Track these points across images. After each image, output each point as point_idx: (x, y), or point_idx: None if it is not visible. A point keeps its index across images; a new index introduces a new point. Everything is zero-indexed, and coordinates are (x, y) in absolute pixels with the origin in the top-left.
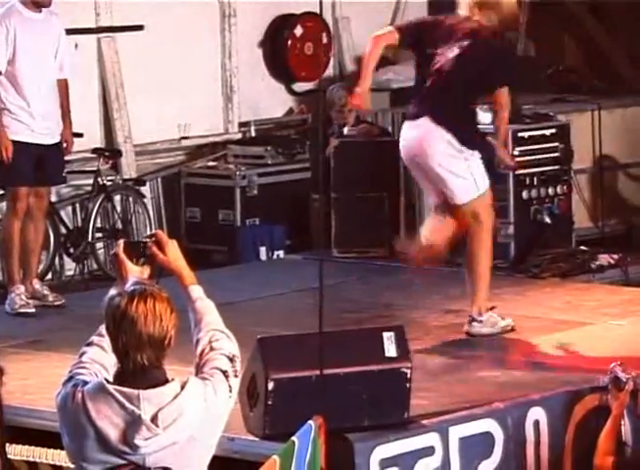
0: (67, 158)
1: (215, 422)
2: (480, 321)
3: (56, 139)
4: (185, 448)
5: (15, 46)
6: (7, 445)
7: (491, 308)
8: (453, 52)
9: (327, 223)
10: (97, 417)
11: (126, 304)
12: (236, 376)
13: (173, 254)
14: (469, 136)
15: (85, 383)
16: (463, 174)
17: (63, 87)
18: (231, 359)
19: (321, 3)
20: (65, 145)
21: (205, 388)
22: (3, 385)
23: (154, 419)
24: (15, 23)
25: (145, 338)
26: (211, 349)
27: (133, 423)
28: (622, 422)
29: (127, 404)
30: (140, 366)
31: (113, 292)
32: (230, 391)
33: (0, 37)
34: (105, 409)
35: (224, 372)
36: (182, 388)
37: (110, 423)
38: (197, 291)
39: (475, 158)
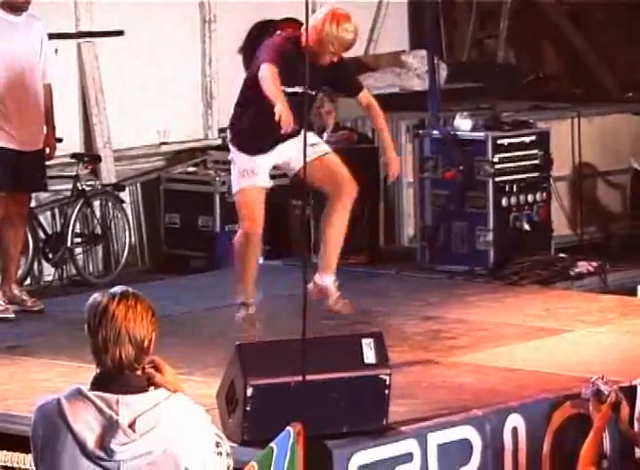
0: (46, 163)
1: (194, 448)
2: None
3: (36, 146)
4: (161, 463)
5: None
6: None
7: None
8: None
9: (306, 229)
10: (74, 422)
11: (108, 300)
12: (223, 454)
13: (171, 376)
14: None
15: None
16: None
17: (47, 92)
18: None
19: (307, 9)
20: (47, 150)
21: (194, 407)
22: None
23: (131, 425)
24: None
25: (124, 333)
26: None
27: (110, 428)
28: (604, 435)
29: (105, 409)
30: (118, 363)
31: (95, 295)
32: (217, 446)
33: None
34: (82, 414)
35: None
36: (167, 398)
37: (87, 428)
38: None
39: (235, 156)
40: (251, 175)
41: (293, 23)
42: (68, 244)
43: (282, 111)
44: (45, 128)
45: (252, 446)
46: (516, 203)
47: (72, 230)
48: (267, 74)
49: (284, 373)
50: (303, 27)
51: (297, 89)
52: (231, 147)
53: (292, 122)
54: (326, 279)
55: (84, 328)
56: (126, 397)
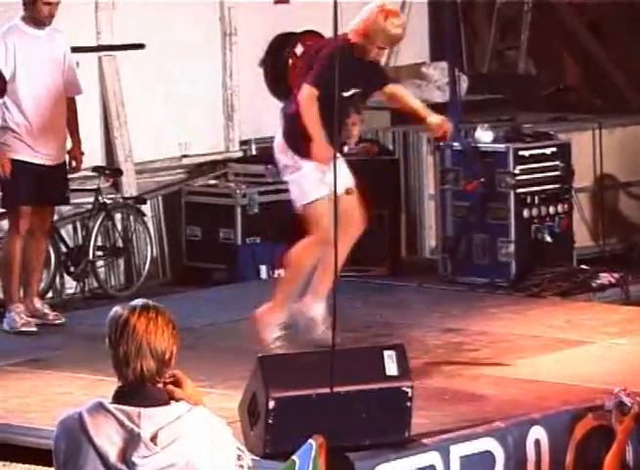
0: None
1: (216, 461)
2: None
3: (59, 160)
4: None
5: (15, 64)
6: (5, 463)
7: None
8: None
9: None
10: (95, 435)
11: (129, 313)
12: (245, 467)
13: (191, 390)
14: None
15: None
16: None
17: (70, 106)
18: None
19: (335, 21)
20: (73, 163)
21: (216, 419)
22: None
23: (153, 438)
24: (15, 41)
25: (145, 345)
26: None
27: (132, 441)
28: (627, 447)
29: (127, 422)
30: (139, 376)
31: (116, 307)
32: (239, 459)
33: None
34: (104, 427)
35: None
36: (188, 411)
37: (109, 441)
38: None
39: (301, 164)
40: (323, 184)
41: (313, 35)
42: (90, 257)
43: (319, 148)
44: (70, 142)
45: (274, 458)
46: (537, 214)
47: (94, 243)
48: (307, 102)
49: (306, 385)
50: (350, 27)
51: (353, 91)
52: (295, 156)
53: (328, 159)
54: (316, 309)
55: (106, 341)
56: (148, 410)
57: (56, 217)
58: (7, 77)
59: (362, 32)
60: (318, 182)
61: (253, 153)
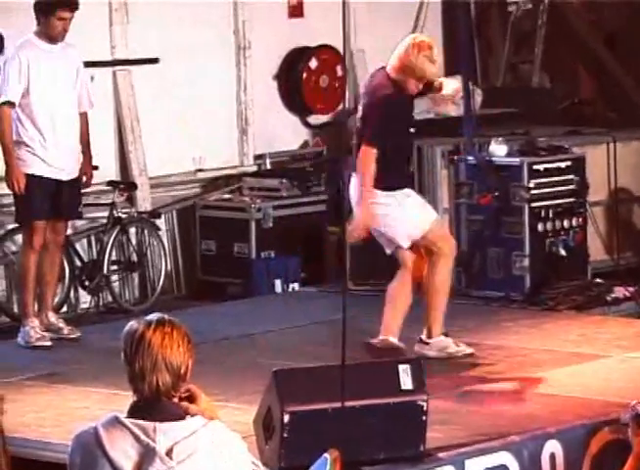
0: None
1: None
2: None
3: (72, 174)
4: None
5: (28, 78)
6: None
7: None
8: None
9: (342, 256)
10: (111, 449)
11: (144, 328)
12: None
13: (206, 404)
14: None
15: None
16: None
17: (82, 120)
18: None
19: (344, 35)
20: (84, 178)
21: (231, 433)
22: (4, 413)
23: (168, 453)
24: (29, 56)
25: (161, 360)
26: None
27: (147, 455)
28: None
29: (142, 437)
30: (155, 391)
31: (131, 322)
32: None
33: (14, 70)
34: (119, 442)
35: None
36: (204, 425)
37: (124, 455)
38: None
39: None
40: (426, 208)
41: (327, 49)
42: (105, 271)
43: (367, 209)
44: (81, 156)
45: None
46: (552, 228)
47: (109, 257)
48: (366, 165)
49: (320, 399)
50: (389, 64)
51: (411, 130)
52: (389, 192)
53: (359, 236)
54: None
55: (121, 356)
56: (163, 424)
57: (70, 232)
58: (21, 92)
59: (398, 68)
60: (423, 207)
61: (268, 167)
